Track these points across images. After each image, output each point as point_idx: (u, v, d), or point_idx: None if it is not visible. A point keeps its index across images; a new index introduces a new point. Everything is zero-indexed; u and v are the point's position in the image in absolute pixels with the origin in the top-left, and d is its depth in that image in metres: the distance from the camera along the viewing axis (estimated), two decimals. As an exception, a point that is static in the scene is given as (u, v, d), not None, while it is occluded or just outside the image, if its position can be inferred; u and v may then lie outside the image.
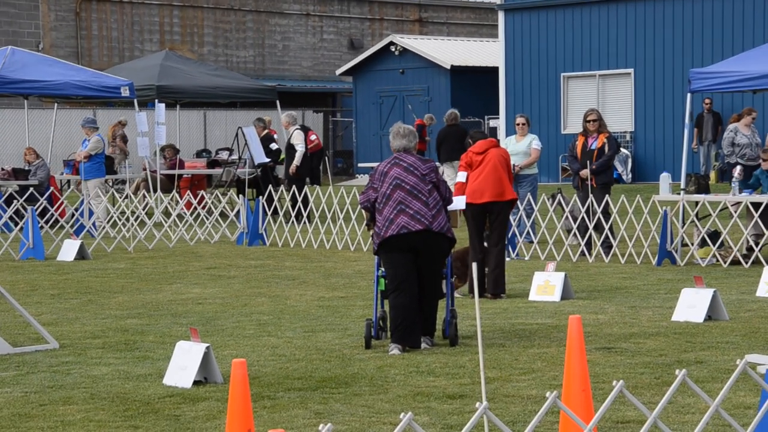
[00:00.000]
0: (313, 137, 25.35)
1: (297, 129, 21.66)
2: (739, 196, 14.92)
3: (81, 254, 16.31)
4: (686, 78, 16.53)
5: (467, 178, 12.04)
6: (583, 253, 15.51)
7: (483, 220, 12.03)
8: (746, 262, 14.41)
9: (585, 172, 15.44)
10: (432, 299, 9.30)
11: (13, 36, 37.78)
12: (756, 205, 14.55)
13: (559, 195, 16.99)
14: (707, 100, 26.57)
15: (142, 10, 41.50)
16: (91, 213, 18.91)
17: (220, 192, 22.62)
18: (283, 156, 25.35)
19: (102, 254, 16.87)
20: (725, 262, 14.53)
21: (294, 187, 19.34)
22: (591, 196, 15.32)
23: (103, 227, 18.81)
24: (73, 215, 19.48)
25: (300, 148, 21.36)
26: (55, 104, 25.57)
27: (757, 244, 14.52)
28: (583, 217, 15.36)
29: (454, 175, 25.44)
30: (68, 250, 16.37)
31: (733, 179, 15.26)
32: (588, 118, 15.61)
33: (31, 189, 19.85)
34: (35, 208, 17.00)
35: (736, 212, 15.05)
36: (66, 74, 21.06)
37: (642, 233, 15.42)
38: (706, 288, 10.39)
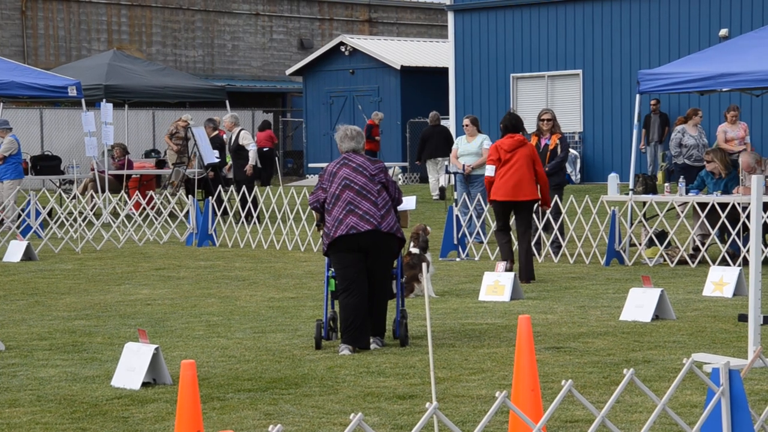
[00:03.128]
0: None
1: (243, 129, 21.54)
2: (686, 196, 15.08)
3: (27, 255, 16.14)
4: (634, 79, 16.68)
5: (495, 172, 13.22)
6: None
7: (507, 214, 13.34)
8: (693, 262, 14.57)
9: None
10: (382, 299, 9.30)
11: (-42, 34, 37.31)
12: (702, 206, 14.71)
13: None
14: (654, 101, 26.81)
15: (89, 9, 41.15)
16: (38, 213, 18.74)
17: (169, 192, 22.48)
18: (228, 158, 25.27)
19: (49, 255, 16.71)
20: (672, 262, 14.68)
21: (244, 188, 19.23)
22: (552, 195, 15.39)
23: (11, 228, 18.65)
24: (19, 216, 19.28)
25: (252, 148, 21.24)
26: (1, 104, 25.29)
27: (703, 244, 14.68)
28: (548, 218, 15.43)
29: (436, 172, 26.52)
30: (14, 251, 16.20)
31: (680, 181, 15.43)
32: (542, 117, 15.70)
33: (-23, 189, 19.62)
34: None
35: (682, 212, 15.21)
36: (12, 73, 20.81)
37: (590, 233, 15.54)
38: (654, 288, 10.49)
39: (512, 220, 13.65)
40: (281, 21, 45.36)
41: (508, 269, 12.58)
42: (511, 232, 13.60)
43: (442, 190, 26.31)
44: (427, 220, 21.13)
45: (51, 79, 21.41)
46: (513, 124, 13.38)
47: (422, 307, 11.13)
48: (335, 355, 8.93)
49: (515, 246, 13.75)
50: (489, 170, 13.30)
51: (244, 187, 19.27)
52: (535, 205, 13.56)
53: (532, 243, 15.65)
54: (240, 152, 21.24)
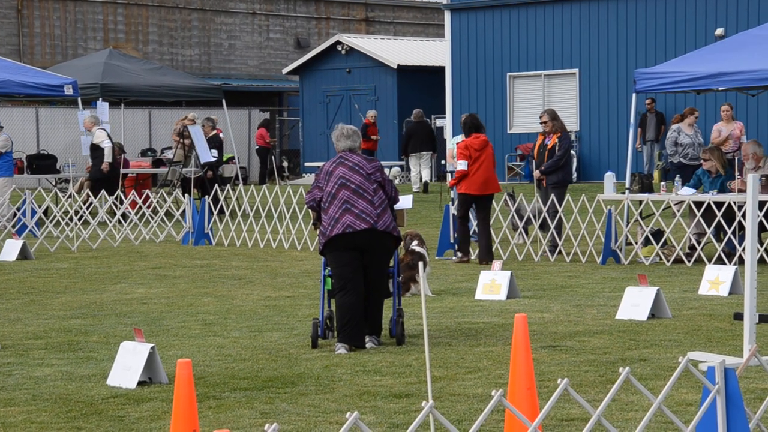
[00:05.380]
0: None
1: (99, 129, 21.46)
2: (682, 195, 15.09)
3: (23, 254, 16.13)
4: (630, 78, 16.68)
5: (468, 167, 14.68)
6: (539, 252, 15.62)
7: (470, 205, 14.94)
8: (689, 261, 14.57)
9: (536, 173, 15.66)
10: (378, 298, 9.30)
11: (-46, 33, 37.25)
12: (698, 205, 14.72)
13: (506, 194, 17.10)
14: (649, 100, 26.83)
15: (85, 8, 41.12)
16: (33, 212, 18.72)
17: (166, 191, 22.47)
18: (231, 155, 25.24)
19: (45, 254, 16.70)
20: (668, 261, 14.68)
21: (103, 188, 19.11)
22: (548, 194, 15.48)
23: (6, 227, 18.65)
24: (14, 215, 19.26)
25: (106, 145, 21.18)
26: (-3, 102, 25.28)
27: (699, 243, 14.69)
28: (544, 216, 15.48)
29: (418, 166, 28.39)
30: (10, 250, 16.18)
31: (676, 180, 15.44)
32: (540, 120, 15.85)
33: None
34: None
35: (678, 211, 15.22)
36: (8, 72, 20.79)
37: (587, 232, 15.54)
38: (650, 286, 10.49)
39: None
40: (278, 20, 45.35)
41: (465, 261, 14.85)
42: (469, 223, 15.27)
43: (426, 185, 27.88)
44: (424, 218, 21.13)
45: (47, 77, 21.39)
46: (475, 125, 14.92)
47: (419, 305, 11.13)
48: (331, 354, 8.92)
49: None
50: (462, 165, 14.72)
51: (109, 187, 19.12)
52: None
53: (528, 242, 15.78)
54: (96, 151, 21.26)
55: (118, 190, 20.54)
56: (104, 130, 21.42)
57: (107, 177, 20.96)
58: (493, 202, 16.65)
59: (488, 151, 14.86)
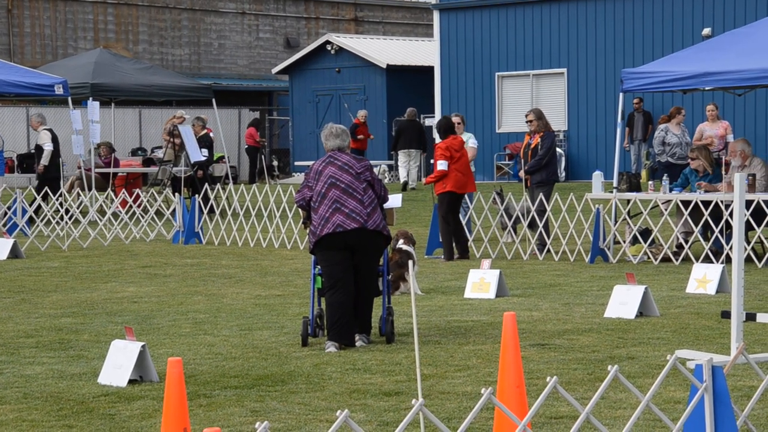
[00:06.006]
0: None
1: (44, 129, 21.42)
2: (669, 194, 15.16)
3: (14, 253, 16.13)
4: (618, 78, 16.74)
5: (448, 167, 15.06)
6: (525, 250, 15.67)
7: (452, 204, 15.20)
8: (676, 260, 14.64)
9: (521, 173, 15.83)
10: (368, 297, 9.34)
11: (-58, 32, 37.15)
12: (686, 203, 14.79)
13: (494, 192, 17.16)
14: (637, 100, 26.91)
15: (75, 8, 41.05)
16: (24, 211, 18.71)
17: (156, 190, 22.47)
18: (221, 154, 25.25)
19: (36, 253, 16.70)
20: (656, 260, 14.75)
21: (47, 187, 19.07)
22: (536, 194, 15.58)
23: None
24: (5, 214, 19.25)
25: (47, 147, 21.14)
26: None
27: (686, 242, 14.76)
28: (533, 215, 15.57)
29: (407, 163, 28.77)
30: (1, 248, 16.17)
31: (664, 179, 15.50)
32: (526, 118, 16.04)
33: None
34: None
35: (666, 210, 15.29)
36: (-2, 71, 20.77)
37: (575, 231, 15.60)
38: (638, 285, 10.55)
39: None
40: (267, 20, 45.33)
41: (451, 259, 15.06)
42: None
43: (405, 184, 28.35)
44: (413, 217, 21.17)
45: (37, 77, 21.37)
46: (450, 126, 15.41)
47: (408, 304, 11.17)
48: (321, 352, 8.96)
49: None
50: (442, 165, 15.04)
51: (46, 187, 19.05)
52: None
53: (517, 241, 15.85)
54: (41, 151, 21.25)
55: (61, 191, 20.47)
56: (49, 131, 21.26)
57: (52, 177, 20.79)
58: (482, 200, 16.76)
59: (464, 151, 15.40)
